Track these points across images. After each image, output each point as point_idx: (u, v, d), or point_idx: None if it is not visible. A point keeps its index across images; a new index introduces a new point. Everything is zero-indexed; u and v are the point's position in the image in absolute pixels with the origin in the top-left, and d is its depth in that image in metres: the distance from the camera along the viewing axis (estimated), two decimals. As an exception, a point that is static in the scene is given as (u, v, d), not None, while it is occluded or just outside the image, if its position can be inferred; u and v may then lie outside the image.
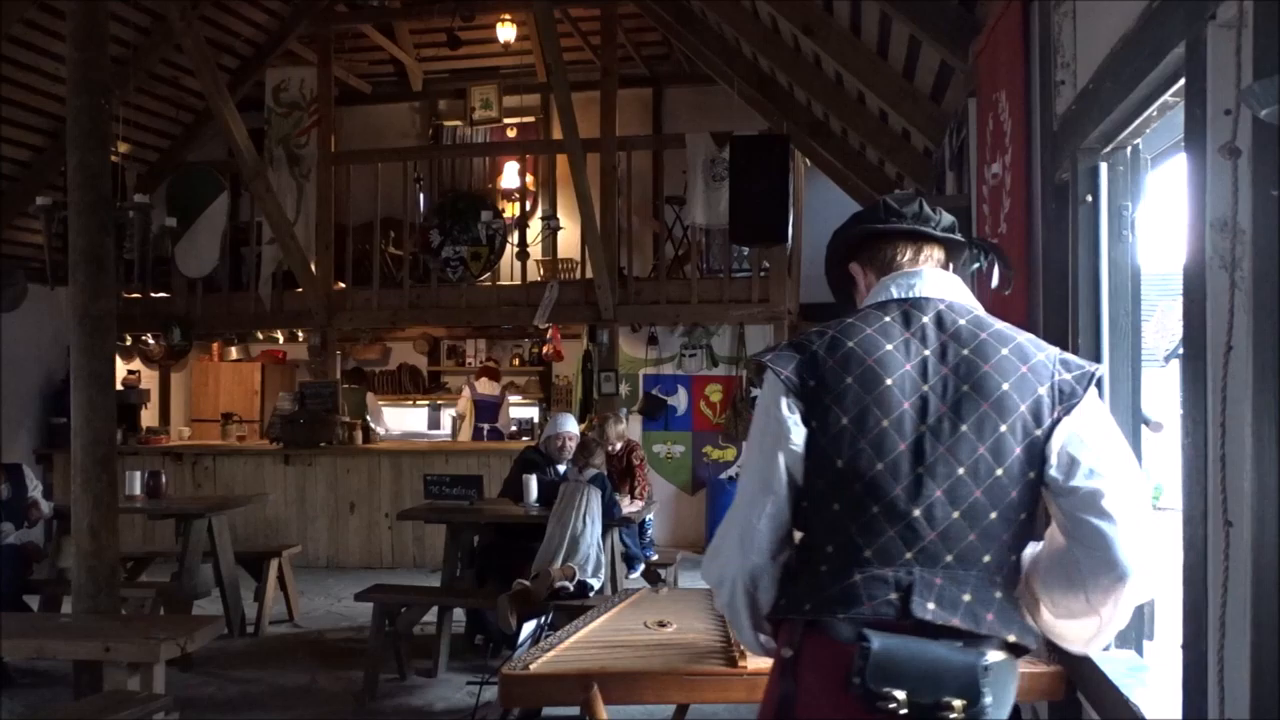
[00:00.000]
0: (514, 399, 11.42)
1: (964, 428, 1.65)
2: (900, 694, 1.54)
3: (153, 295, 9.83)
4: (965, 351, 1.69)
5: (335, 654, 5.99)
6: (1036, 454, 1.66)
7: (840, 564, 1.66)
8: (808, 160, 9.31)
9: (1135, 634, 2.40)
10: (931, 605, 1.59)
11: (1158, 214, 2.42)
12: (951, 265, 1.88)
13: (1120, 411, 2.43)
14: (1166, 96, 1.96)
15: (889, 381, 1.68)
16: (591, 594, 5.13)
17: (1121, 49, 2.06)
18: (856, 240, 1.90)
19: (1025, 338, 1.74)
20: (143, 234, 6.77)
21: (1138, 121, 2.15)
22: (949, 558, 1.63)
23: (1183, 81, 1.75)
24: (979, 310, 1.78)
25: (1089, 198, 2.45)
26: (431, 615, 5.70)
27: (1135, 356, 2.45)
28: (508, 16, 9.84)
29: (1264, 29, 1.42)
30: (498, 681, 2.56)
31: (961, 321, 1.73)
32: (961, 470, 1.64)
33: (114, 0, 7.10)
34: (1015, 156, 3.04)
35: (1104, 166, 2.43)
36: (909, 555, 1.63)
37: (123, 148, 8.49)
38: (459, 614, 5.90)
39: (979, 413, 1.66)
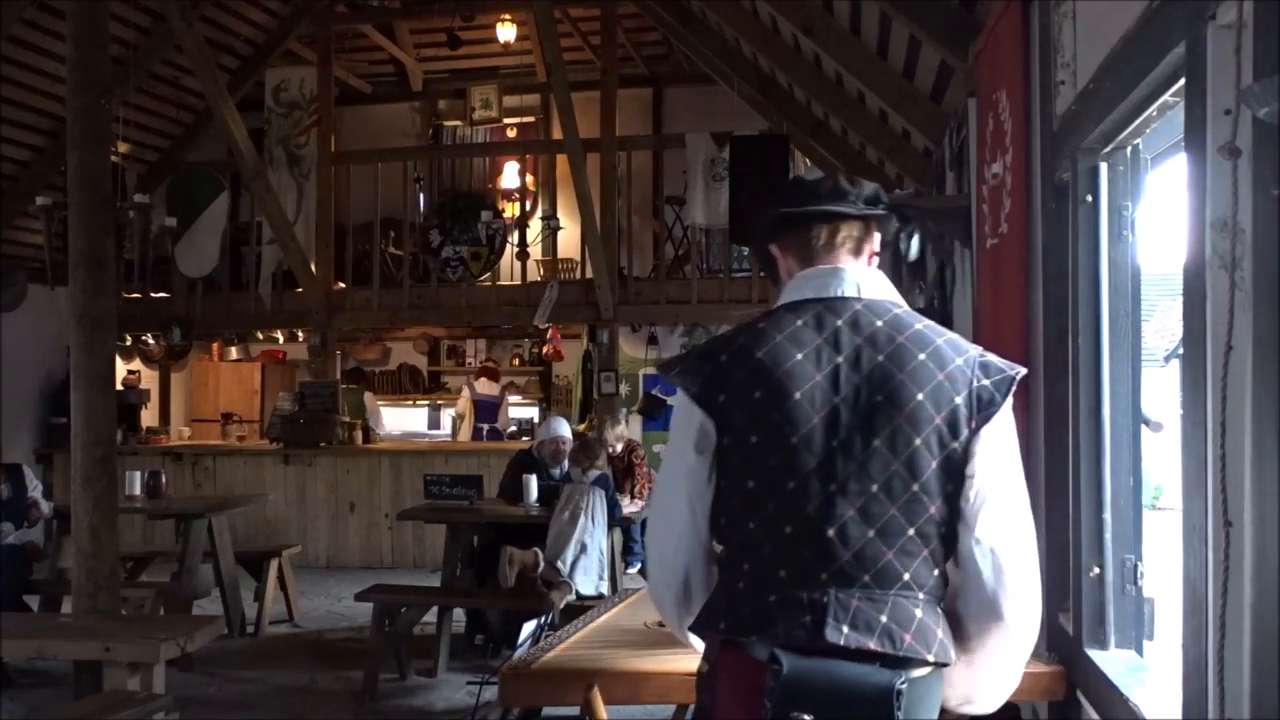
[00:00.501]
0: (514, 399, 11.42)
1: (876, 442, 1.59)
2: (808, 718, 1.51)
3: (153, 295, 9.83)
4: (880, 358, 1.62)
5: (335, 654, 5.99)
6: (955, 467, 1.61)
7: (756, 583, 1.62)
8: (808, 160, 9.31)
9: (1135, 634, 2.40)
10: (845, 629, 1.54)
11: (1158, 214, 2.42)
12: (880, 236, 1.81)
13: (1120, 411, 2.44)
14: (1166, 96, 1.96)
15: (798, 395, 1.61)
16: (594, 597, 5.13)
17: (1121, 49, 2.05)
18: (776, 224, 1.83)
19: (945, 339, 1.67)
20: (143, 234, 6.77)
21: (1138, 121, 2.15)
22: (866, 577, 1.58)
23: (1183, 81, 1.75)
24: (900, 308, 1.72)
25: (1089, 198, 2.45)
26: (431, 615, 5.70)
27: (1135, 356, 2.45)
28: (508, 16, 9.84)
29: (1264, 29, 1.42)
30: (498, 681, 2.56)
31: (879, 323, 1.66)
32: (875, 487, 1.59)
33: (114, 0, 7.09)
34: (1015, 156, 3.04)
35: (1104, 166, 2.43)
36: (824, 576, 1.58)
37: (123, 148, 8.47)
38: (459, 614, 5.89)
39: (891, 426, 1.59)
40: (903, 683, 1.54)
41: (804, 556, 1.59)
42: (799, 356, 1.64)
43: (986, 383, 1.63)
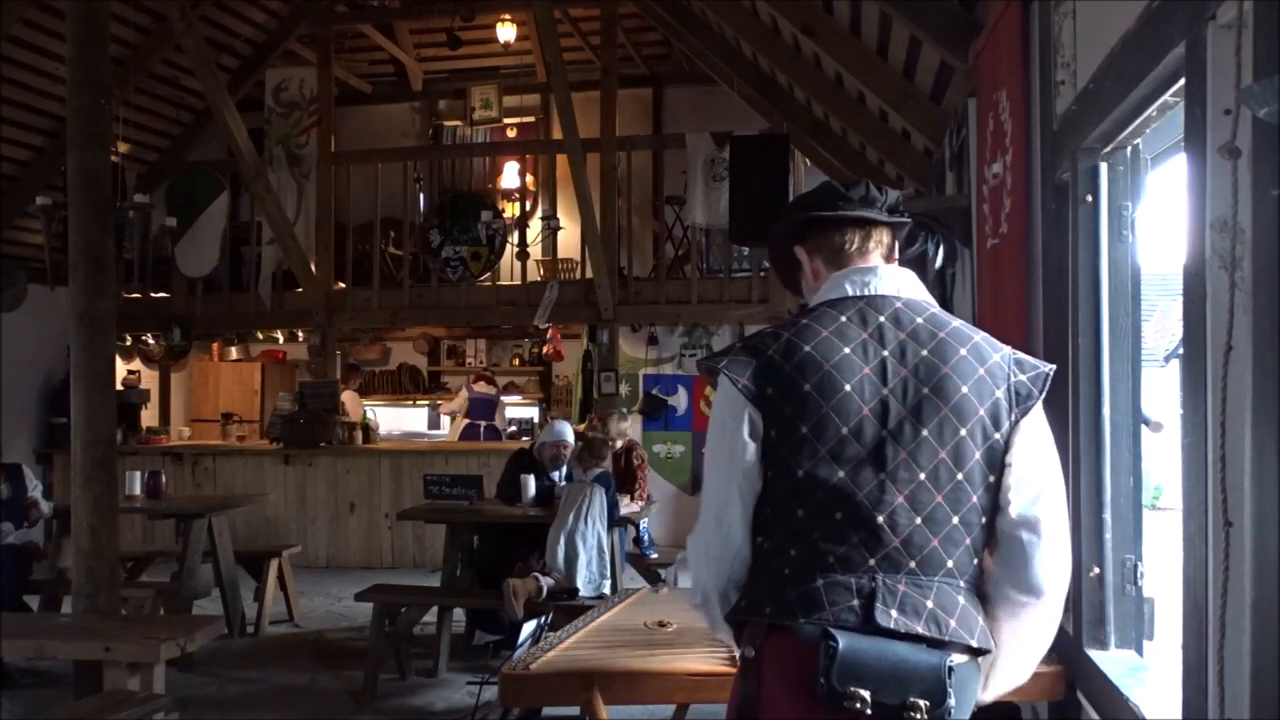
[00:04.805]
0: (514, 399, 11.42)
1: (925, 432, 1.65)
2: (865, 693, 1.54)
3: (153, 295, 9.83)
4: (924, 352, 1.69)
5: (335, 654, 5.99)
6: (997, 459, 1.68)
7: (803, 569, 1.65)
8: (808, 160, 9.31)
9: (1135, 634, 2.40)
10: (894, 613, 1.59)
11: (1158, 214, 2.42)
12: (897, 243, 1.87)
13: (1120, 411, 2.44)
14: (1166, 96, 1.96)
15: (848, 388, 1.66)
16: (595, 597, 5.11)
17: (1121, 49, 2.05)
18: (803, 225, 1.88)
19: (981, 336, 1.75)
20: (143, 234, 6.77)
21: (1138, 121, 2.15)
22: (912, 564, 1.63)
23: (1183, 81, 1.75)
24: (935, 306, 1.78)
25: (1089, 198, 2.45)
26: (431, 615, 5.70)
27: (1135, 356, 2.45)
28: (508, 16, 9.84)
29: (1264, 29, 1.42)
30: (498, 681, 2.56)
31: (919, 320, 1.72)
32: (923, 476, 1.64)
33: (114, 0, 7.09)
34: (1015, 156, 3.04)
35: (1104, 166, 2.43)
36: (872, 562, 1.62)
37: (123, 148, 8.49)
38: (459, 614, 5.89)
39: (939, 417, 1.65)
40: (951, 661, 1.59)
41: (853, 542, 1.63)
42: (846, 350, 1.69)
43: (1023, 378, 1.71)
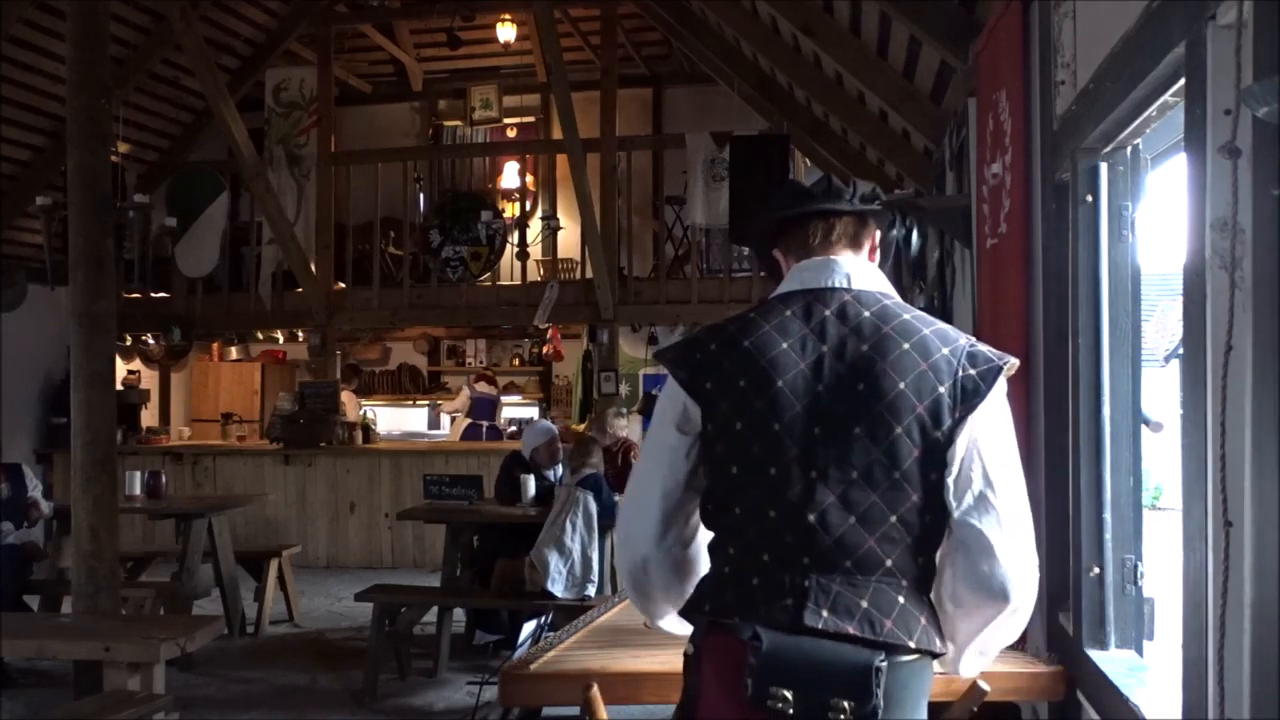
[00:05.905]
0: (514, 399, 11.42)
1: (857, 430, 1.61)
2: (788, 693, 1.52)
3: (153, 295, 9.82)
4: (864, 348, 1.65)
5: (335, 654, 5.99)
6: (938, 456, 1.62)
7: (740, 566, 1.65)
8: (808, 160, 9.31)
9: (1135, 634, 2.40)
10: (825, 613, 1.56)
11: (1158, 214, 2.42)
12: (879, 234, 1.84)
13: (1120, 411, 2.43)
14: (1166, 96, 1.96)
15: (780, 384, 1.64)
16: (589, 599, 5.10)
17: (1121, 49, 2.05)
18: (774, 228, 1.87)
19: (934, 330, 1.68)
20: (143, 234, 6.75)
21: (1138, 121, 2.15)
22: (847, 563, 1.60)
23: (1183, 81, 1.75)
24: (890, 299, 1.74)
25: (1089, 198, 2.45)
26: (431, 615, 5.70)
27: (1135, 356, 2.45)
28: (508, 16, 9.85)
29: (1264, 29, 1.41)
30: (498, 681, 2.56)
31: (866, 314, 1.69)
32: (855, 475, 1.60)
33: (114, 0, 7.09)
34: (1015, 156, 3.04)
35: (1104, 166, 2.43)
36: (806, 561, 1.60)
37: (123, 148, 8.48)
38: (459, 614, 5.89)
39: (872, 414, 1.61)
40: (882, 661, 1.55)
41: (786, 541, 1.62)
42: (784, 345, 1.67)
43: (972, 372, 1.64)
